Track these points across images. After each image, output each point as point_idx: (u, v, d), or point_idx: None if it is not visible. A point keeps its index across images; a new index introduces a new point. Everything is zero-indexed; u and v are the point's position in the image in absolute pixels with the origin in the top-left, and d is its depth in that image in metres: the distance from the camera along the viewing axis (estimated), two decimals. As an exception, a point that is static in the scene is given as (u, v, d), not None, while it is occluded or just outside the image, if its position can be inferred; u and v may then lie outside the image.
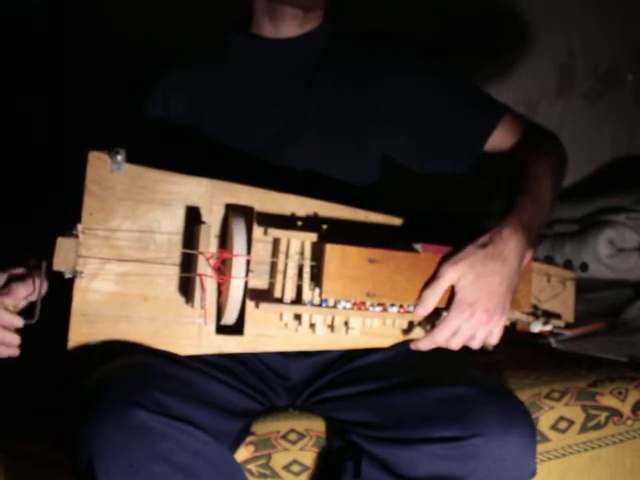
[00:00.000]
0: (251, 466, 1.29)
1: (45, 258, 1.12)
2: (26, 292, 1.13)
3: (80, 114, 1.98)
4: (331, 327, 1.19)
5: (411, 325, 1.24)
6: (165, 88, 1.45)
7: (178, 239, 1.17)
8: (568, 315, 1.38)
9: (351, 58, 1.43)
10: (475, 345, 1.18)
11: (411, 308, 1.18)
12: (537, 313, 1.33)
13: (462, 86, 1.44)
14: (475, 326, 1.14)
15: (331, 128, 1.40)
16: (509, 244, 1.15)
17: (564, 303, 1.38)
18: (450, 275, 1.14)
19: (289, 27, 1.42)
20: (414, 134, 1.41)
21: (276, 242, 1.18)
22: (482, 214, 1.93)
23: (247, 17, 1.46)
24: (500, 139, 1.40)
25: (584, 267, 1.43)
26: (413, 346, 1.19)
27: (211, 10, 1.91)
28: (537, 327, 1.31)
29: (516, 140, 1.40)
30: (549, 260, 1.38)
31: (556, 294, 1.36)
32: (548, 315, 1.35)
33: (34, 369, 1.59)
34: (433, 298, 1.15)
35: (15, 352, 1.13)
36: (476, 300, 1.13)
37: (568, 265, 1.40)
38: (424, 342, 1.18)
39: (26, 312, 1.14)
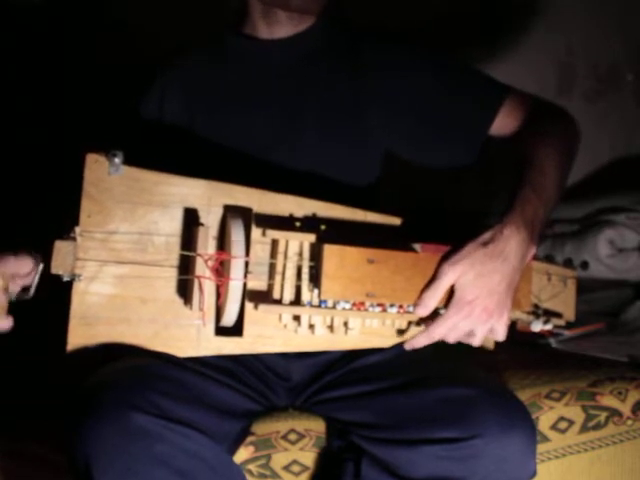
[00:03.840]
0: (251, 466, 1.29)
1: (43, 258, 1.12)
2: (17, 268, 1.13)
3: (80, 115, 1.98)
4: (330, 328, 1.19)
5: (411, 325, 1.24)
6: (162, 90, 1.44)
7: (176, 241, 1.17)
8: (569, 314, 1.38)
9: (346, 56, 1.43)
10: (475, 343, 1.17)
11: (411, 308, 1.18)
12: (538, 312, 1.32)
13: (459, 75, 1.42)
14: (473, 323, 1.14)
15: (328, 127, 1.39)
16: (510, 242, 1.14)
17: (565, 302, 1.37)
18: (450, 275, 1.13)
19: (284, 28, 1.41)
20: (413, 129, 1.41)
21: (274, 243, 1.18)
22: (482, 213, 1.93)
23: (241, 18, 1.45)
24: (503, 123, 1.38)
25: (584, 265, 1.43)
26: (408, 346, 1.19)
27: (211, 10, 1.90)
28: (538, 326, 1.31)
29: (520, 122, 1.37)
30: (549, 259, 1.37)
31: (557, 293, 1.35)
32: (549, 314, 1.34)
33: (34, 371, 1.59)
34: (433, 298, 1.15)
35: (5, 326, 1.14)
36: (475, 298, 1.13)
37: (568, 264, 1.39)
38: (420, 338, 1.18)
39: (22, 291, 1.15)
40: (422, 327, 1.23)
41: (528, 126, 1.36)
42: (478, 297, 1.13)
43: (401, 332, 1.24)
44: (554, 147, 1.28)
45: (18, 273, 1.13)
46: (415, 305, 1.16)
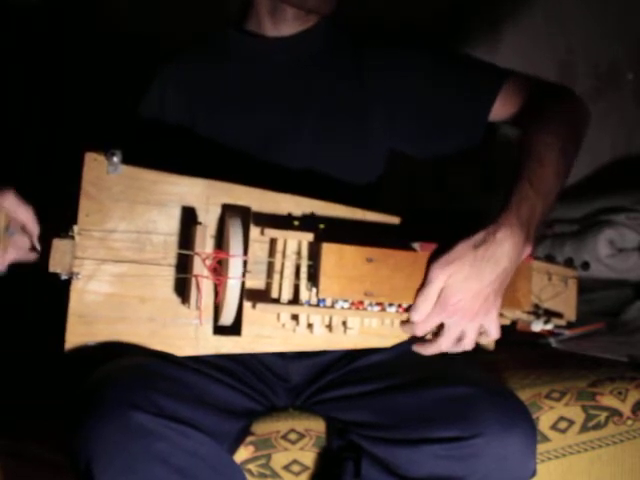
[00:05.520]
0: (251, 466, 1.29)
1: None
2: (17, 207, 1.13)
3: (79, 114, 1.98)
4: (329, 327, 1.18)
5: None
6: (162, 88, 1.44)
7: (174, 240, 1.17)
8: (570, 314, 1.37)
9: (348, 55, 1.43)
10: (468, 346, 1.17)
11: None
12: (538, 312, 1.32)
13: (458, 65, 1.40)
14: (458, 323, 1.14)
15: (328, 127, 1.39)
16: (503, 246, 1.11)
17: (566, 302, 1.36)
18: (440, 278, 1.12)
19: (289, 27, 1.41)
20: (415, 127, 1.40)
21: (273, 242, 1.18)
22: (483, 213, 1.92)
23: (245, 14, 1.45)
24: (503, 107, 1.34)
25: (585, 266, 1.42)
26: (402, 327, 1.20)
27: (211, 10, 1.91)
28: (538, 326, 1.30)
29: (521, 106, 1.33)
30: (550, 259, 1.37)
31: (558, 293, 1.35)
32: (549, 314, 1.34)
33: (34, 370, 1.60)
34: (426, 303, 1.13)
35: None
36: (459, 300, 1.11)
37: (569, 263, 1.39)
38: (405, 327, 1.19)
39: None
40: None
41: (529, 110, 1.31)
42: (462, 300, 1.11)
43: (401, 332, 1.24)
44: (555, 134, 1.23)
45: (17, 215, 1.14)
46: (410, 311, 1.16)
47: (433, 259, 1.14)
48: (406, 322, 1.19)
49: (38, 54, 2.00)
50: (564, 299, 1.37)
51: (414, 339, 1.23)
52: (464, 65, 1.41)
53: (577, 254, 2.07)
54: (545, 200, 1.18)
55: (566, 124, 1.26)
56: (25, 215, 1.14)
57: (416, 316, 1.15)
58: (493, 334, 1.17)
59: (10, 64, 1.99)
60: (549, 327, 1.32)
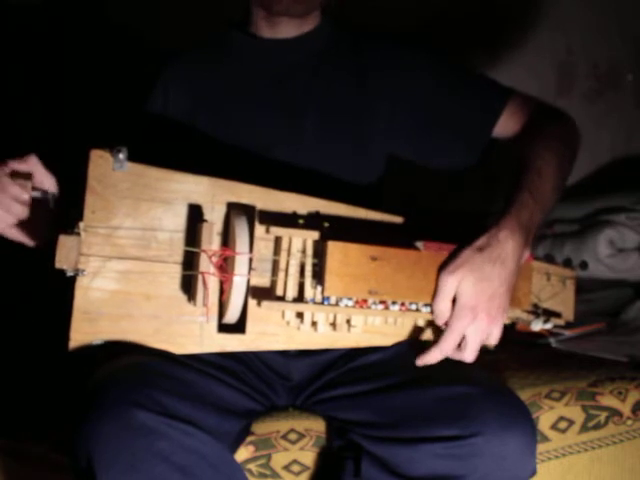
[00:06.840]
0: (251, 466, 1.29)
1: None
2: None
3: (80, 113, 1.98)
4: (333, 325, 1.19)
5: (413, 324, 1.24)
6: (165, 87, 1.44)
7: (180, 237, 1.17)
8: (568, 314, 1.39)
9: (350, 57, 1.44)
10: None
11: (413, 306, 1.18)
12: (537, 312, 1.33)
13: (462, 76, 1.43)
14: (479, 330, 1.14)
15: (330, 127, 1.40)
16: (506, 247, 1.14)
17: (564, 302, 1.38)
18: (451, 283, 1.13)
19: (286, 29, 1.42)
20: (415, 130, 1.42)
21: (278, 240, 1.18)
22: (483, 214, 1.93)
23: (246, 16, 1.45)
24: (505, 125, 1.39)
25: (584, 265, 1.43)
26: (420, 362, 1.18)
27: (212, 9, 1.91)
28: (537, 325, 1.31)
29: (522, 125, 1.38)
30: (549, 259, 1.38)
31: (556, 293, 1.36)
32: (548, 314, 1.35)
33: (35, 369, 1.59)
34: (443, 307, 1.15)
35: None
36: (477, 304, 1.13)
37: (568, 264, 1.40)
38: (432, 354, 1.17)
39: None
40: (424, 326, 1.23)
41: (529, 128, 1.37)
42: (480, 303, 1.13)
43: (404, 330, 1.24)
44: (554, 150, 1.29)
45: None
46: (434, 319, 1.17)
47: (441, 269, 1.16)
48: (428, 352, 1.18)
49: (38, 54, 2.00)
50: (562, 299, 1.38)
51: (415, 339, 1.24)
52: (468, 75, 1.45)
53: (577, 254, 2.08)
54: (542, 209, 1.22)
55: (563, 143, 1.32)
56: (47, 179, 1.20)
57: (440, 319, 1.16)
58: (494, 339, 1.18)
59: (10, 64, 1.99)
60: (548, 326, 1.33)
